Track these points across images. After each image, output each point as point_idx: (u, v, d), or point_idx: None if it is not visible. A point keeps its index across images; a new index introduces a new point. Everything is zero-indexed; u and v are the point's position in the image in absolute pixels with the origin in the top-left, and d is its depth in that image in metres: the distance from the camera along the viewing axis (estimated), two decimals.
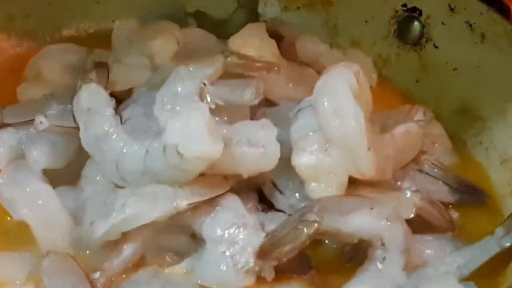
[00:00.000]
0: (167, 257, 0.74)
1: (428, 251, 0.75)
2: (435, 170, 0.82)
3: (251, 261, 0.70)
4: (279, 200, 0.77)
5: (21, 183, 0.76)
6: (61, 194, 0.77)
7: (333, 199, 0.72)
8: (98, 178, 0.76)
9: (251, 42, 0.85)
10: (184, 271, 0.74)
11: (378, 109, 0.79)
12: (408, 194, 0.77)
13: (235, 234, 0.71)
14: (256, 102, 0.78)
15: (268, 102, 0.84)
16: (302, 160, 0.73)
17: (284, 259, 0.70)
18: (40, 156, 0.78)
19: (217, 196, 0.73)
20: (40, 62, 0.89)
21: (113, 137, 0.73)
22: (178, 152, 0.68)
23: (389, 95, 0.95)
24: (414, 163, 0.82)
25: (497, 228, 0.74)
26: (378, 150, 0.74)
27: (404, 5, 0.94)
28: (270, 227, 0.73)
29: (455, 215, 0.81)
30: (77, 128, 0.76)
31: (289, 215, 0.74)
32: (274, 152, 0.73)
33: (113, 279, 0.73)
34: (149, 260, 0.74)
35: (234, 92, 0.78)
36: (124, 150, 0.72)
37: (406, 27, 0.95)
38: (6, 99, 0.84)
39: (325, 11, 0.99)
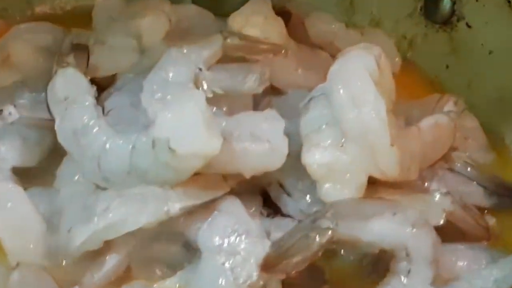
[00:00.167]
0: (156, 270, 0.74)
1: (460, 263, 0.75)
2: (468, 169, 0.83)
3: (255, 274, 0.70)
4: (287, 204, 0.77)
5: None
6: (33, 196, 0.77)
7: (350, 203, 0.72)
8: (76, 178, 0.76)
9: (254, 21, 0.85)
10: (177, 285, 0.74)
11: (402, 98, 0.80)
12: (437, 197, 0.77)
13: (235, 243, 0.71)
14: (260, 90, 0.79)
15: (274, 90, 0.84)
16: (314, 158, 0.73)
17: (293, 273, 0.70)
18: (9, 152, 0.79)
19: (215, 199, 0.73)
20: (9, 43, 0.89)
21: (94, 130, 0.74)
22: (169, 148, 0.68)
23: (415, 83, 0.96)
24: (444, 161, 0.82)
25: None
26: (402, 146, 0.74)
27: None
28: (277, 235, 0.73)
29: (491, 221, 0.81)
30: (52, 120, 0.76)
31: (299, 221, 0.74)
32: (281, 148, 0.73)
33: None
34: (136, 273, 0.74)
35: (235, 79, 0.78)
36: (107, 146, 0.73)
37: (434, 3, 0.95)
38: None
39: None
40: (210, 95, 0.75)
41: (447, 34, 0.95)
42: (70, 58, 0.79)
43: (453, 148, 0.83)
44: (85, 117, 0.74)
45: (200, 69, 0.77)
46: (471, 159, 0.84)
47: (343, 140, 0.72)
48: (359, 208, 0.72)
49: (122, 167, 0.72)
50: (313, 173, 0.73)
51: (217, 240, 0.71)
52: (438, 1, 0.95)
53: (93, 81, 0.78)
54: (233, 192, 0.75)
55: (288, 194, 0.77)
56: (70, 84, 0.77)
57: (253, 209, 0.76)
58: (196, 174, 0.71)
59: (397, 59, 0.96)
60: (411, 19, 0.97)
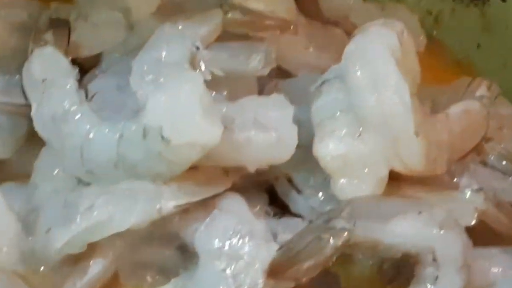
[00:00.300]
0: (147, 277, 0.74)
1: (495, 269, 0.76)
2: (504, 162, 0.83)
3: (260, 281, 0.70)
4: (297, 202, 0.77)
5: None
6: (7, 192, 0.77)
7: (368, 200, 0.72)
8: (56, 172, 0.76)
9: None
10: None
11: (428, 81, 0.79)
12: (468, 194, 0.77)
13: (238, 246, 0.71)
14: (265, 71, 0.79)
15: (281, 72, 0.84)
16: (328, 149, 0.72)
17: (304, 279, 0.70)
18: None
19: (214, 196, 0.73)
20: None
21: (77, 117, 0.73)
22: (162, 137, 0.68)
23: (442, 64, 0.96)
24: (476, 153, 0.82)
25: None
26: (428, 136, 0.74)
27: None
28: (285, 236, 0.73)
29: None
30: (28, 106, 0.76)
31: (310, 221, 0.74)
32: (289, 138, 0.73)
33: None
34: (124, 280, 0.75)
35: (237, 59, 0.78)
36: (91, 135, 0.72)
37: None
38: None
39: None
40: (209, 78, 0.74)
41: (478, 9, 0.96)
42: (49, 36, 0.80)
43: (486, 139, 0.83)
44: (65, 102, 0.74)
45: (197, 48, 0.77)
46: (507, 151, 0.84)
47: (360, 129, 0.72)
48: (379, 207, 0.72)
49: (108, 159, 0.72)
50: (326, 166, 0.73)
51: (216, 243, 0.71)
52: None
53: (74, 62, 0.79)
54: (235, 188, 0.75)
55: (298, 191, 0.77)
56: (48, 65, 0.77)
57: (258, 207, 0.77)
58: (193, 167, 0.71)
59: (421, 37, 0.96)
60: None
